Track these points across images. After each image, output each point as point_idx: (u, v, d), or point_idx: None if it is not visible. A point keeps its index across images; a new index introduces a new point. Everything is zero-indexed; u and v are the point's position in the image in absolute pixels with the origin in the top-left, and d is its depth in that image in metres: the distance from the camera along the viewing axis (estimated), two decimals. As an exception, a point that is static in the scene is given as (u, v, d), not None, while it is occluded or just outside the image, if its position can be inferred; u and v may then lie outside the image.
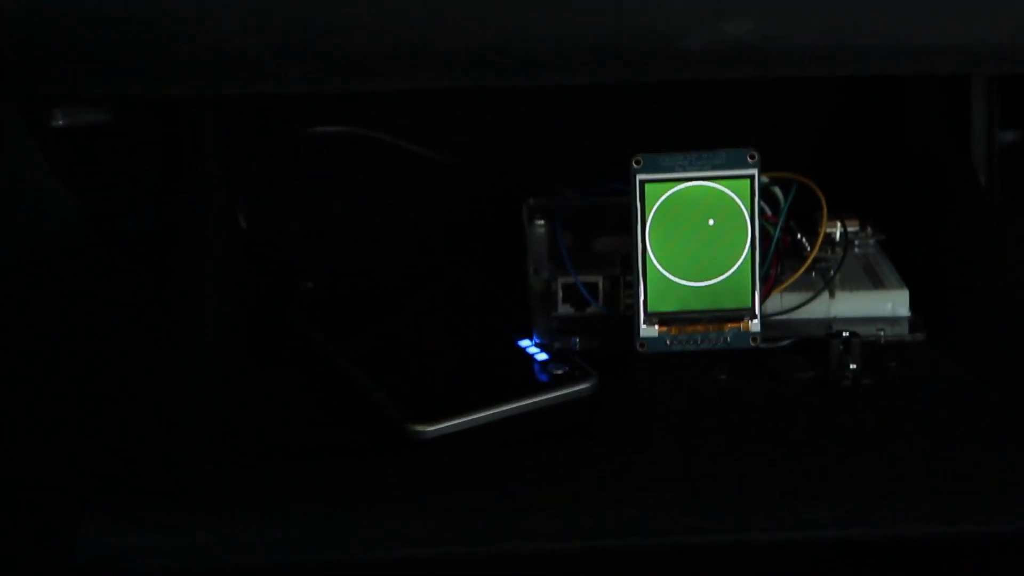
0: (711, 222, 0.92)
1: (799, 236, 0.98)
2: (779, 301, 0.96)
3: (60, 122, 1.04)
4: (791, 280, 0.96)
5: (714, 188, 0.92)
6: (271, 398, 0.93)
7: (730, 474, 0.83)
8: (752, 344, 0.94)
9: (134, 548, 0.80)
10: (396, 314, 1.01)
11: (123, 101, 1.06)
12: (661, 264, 0.92)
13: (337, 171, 1.14)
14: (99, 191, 1.07)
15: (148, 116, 1.09)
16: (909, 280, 0.97)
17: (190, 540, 0.80)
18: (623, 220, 0.93)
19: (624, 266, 0.95)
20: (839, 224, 0.99)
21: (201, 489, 0.83)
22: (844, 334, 0.92)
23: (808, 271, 0.97)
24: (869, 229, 1.02)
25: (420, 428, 0.87)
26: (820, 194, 0.96)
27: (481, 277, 1.04)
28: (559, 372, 0.92)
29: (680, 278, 0.93)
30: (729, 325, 0.94)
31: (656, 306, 0.93)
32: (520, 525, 0.81)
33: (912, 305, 0.97)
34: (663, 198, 0.92)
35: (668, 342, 0.94)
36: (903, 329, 0.96)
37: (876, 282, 0.98)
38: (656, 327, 0.93)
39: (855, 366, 0.91)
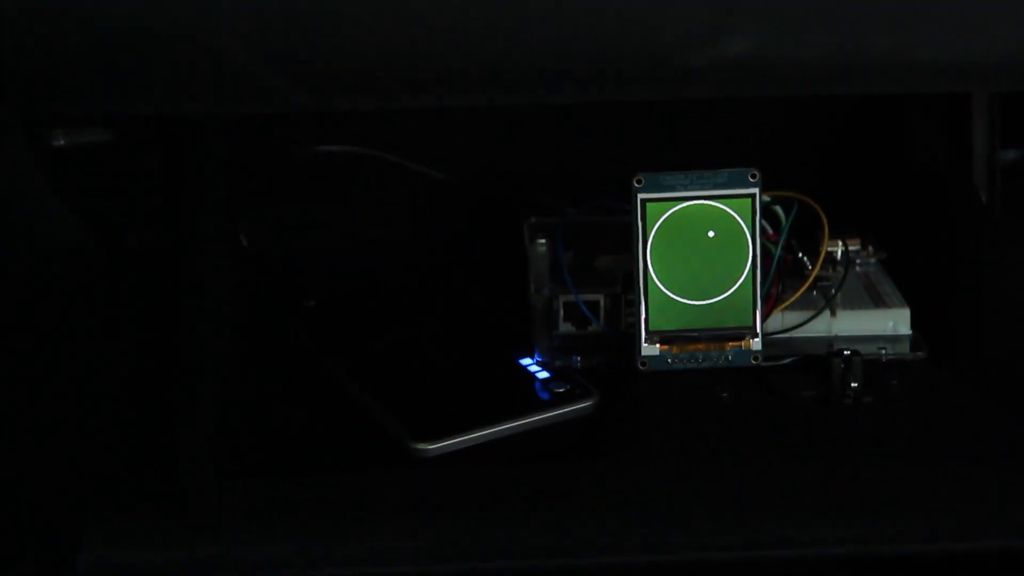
0: (712, 241, 0.92)
1: (800, 255, 0.98)
2: (780, 319, 0.96)
3: (62, 141, 1.04)
4: (792, 299, 0.96)
5: (715, 207, 0.92)
6: (272, 415, 0.93)
7: (732, 492, 0.83)
8: (753, 362, 0.94)
9: (135, 563, 0.80)
10: (397, 332, 1.01)
11: (125, 120, 1.07)
12: (662, 283, 0.93)
13: (339, 189, 1.14)
14: (101, 209, 1.07)
15: (150, 134, 1.09)
16: (910, 298, 0.97)
17: (190, 555, 0.80)
18: (624, 238, 0.93)
19: (625, 284, 0.95)
20: (840, 242, 0.99)
21: (202, 504, 0.83)
22: (845, 352, 0.92)
23: (809, 290, 0.97)
24: (870, 247, 1.02)
25: (421, 446, 0.87)
26: (821, 213, 0.96)
27: (482, 295, 1.04)
28: (560, 390, 0.92)
29: (681, 296, 0.93)
30: (730, 344, 0.93)
31: (657, 324, 0.93)
32: (521, 543, 0.81)
33: (913, 323, 0.97)
34: (664, 217, 0.92)
35: (669, 360, 0.94)
36: (904, 347, 0.96)
37: (877, 300, 0.98)
38: (657, 345, 0.93)
39: (856, 384, 0.91)
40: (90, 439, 0.90)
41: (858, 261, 1.02)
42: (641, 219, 0.92)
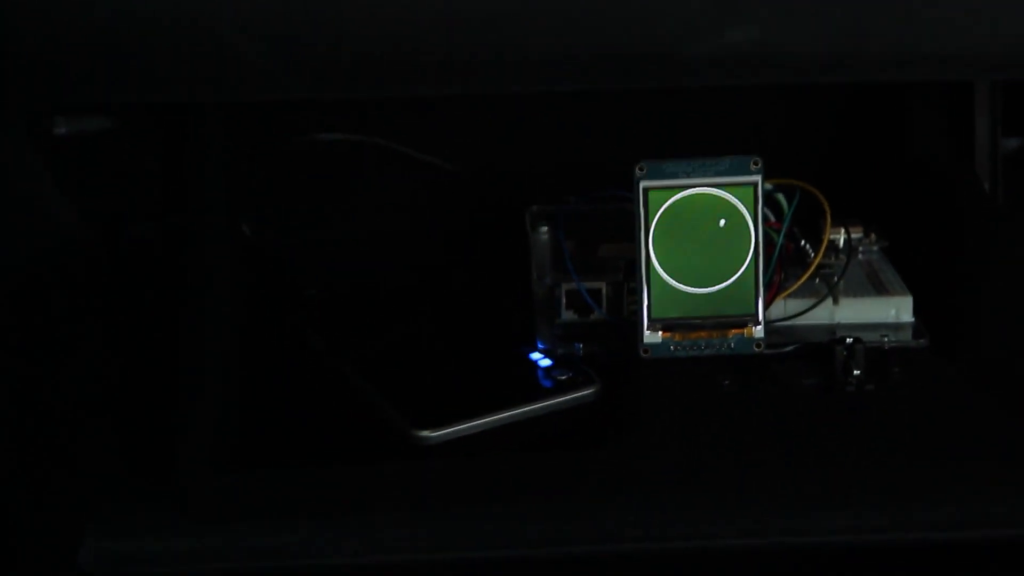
0: (716, 228, 0.92)
1: (803, 242, 0.98)
2: (783, 307, 0.96)
3: (63, 130, 1.04)
4: (795, 286, 0.96)
5: (718, 195, 0.92)
6: (275, 404, 0.93)
7: (734, 479, 0.83)
8: (756, 350, 0.94)
9: (138, 553, 0.80)
10: (400, 320, 1.01)
11: (126, 108, 1.07)
12: (665, 270, 0.92)
13: (340, 178, 1.14)
14: (103, 199, 1.07)
15: (151, 124, 1.09)
16: (913, 286, 0.97)
17: (193, 546, 0.80)
18: (626, 226, 0.93)
19: (627, 272, 0.95)
20: (843, 230, 0.99)
21: (205, 495, 0.83)
22: (848, 340, 0.92)
23: (812, 277, 0.97)
24: (873, 235, 1.02)
25: (424, 434, 0.87)
26: (824, 200, 0.96)
27: (485, 283, 1.04)
28: (563, 378, 0.92)
29: (684, 284, 0.93)
30: (733, 331, 0.93)
31: (660, 312, 0.93)
32: (524, 530, 0.81)
33: (916, 311, 0.97)
34: (666, 205, 0.92)
35: (672, 348, 0.94)
36: (907, 335, 0.96)
37: (880, 288, 0.98)
38: (660, 333, 0.93)
39: (859, 372, 0.91)
40: (92, 431, 0.90)
41: (860, 249, 1.02)
42: (643, 207, 0.92)
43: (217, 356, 0.92)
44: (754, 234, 0.92)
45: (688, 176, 0.92)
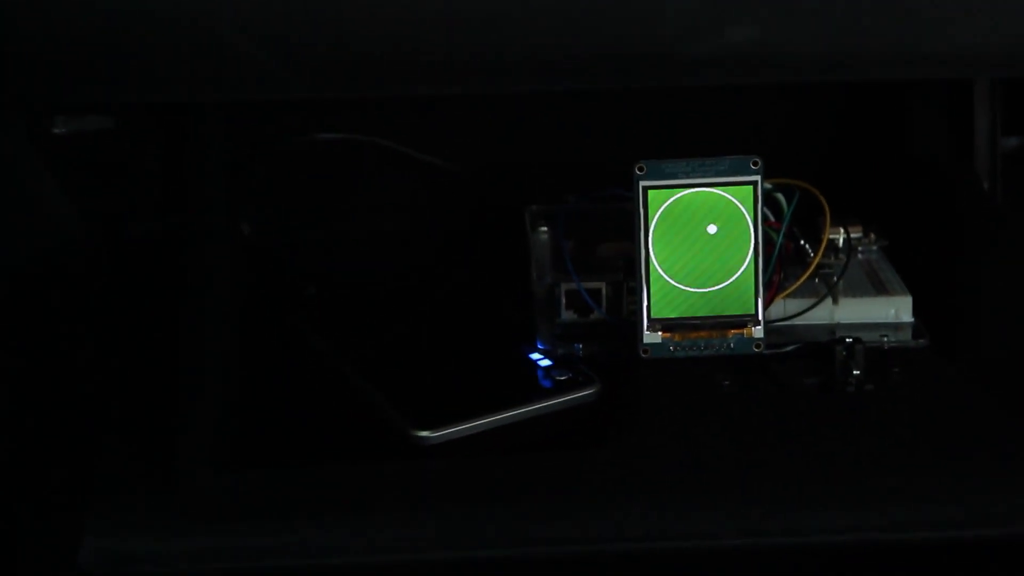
0: (714, 228, 0.92)
1: (802, 242, 0.98)
2: (782, 307, 0.96)
3: (62, 129, 1.04)
4: (794, 286, 0.96)
5: (717, 194, 0.92)
6: (274, 403, 0.93)
7: (734, 479, 0.83)
8: (755, 350, 0.93)
9: (137, 552, 0.80)
10: (399, 320, 1.01)
11: (126, 108, 1.07)
12: (664, 270, 0.92)
13: (339, 177, 1.14)
14: (102, 197, 1.07)
15: (151, 122, 1.09)
16: (912, 286, 0.97)
17: (193, 545, 0.80)
18: (626, 226, 0.93)
19: (627, 272, 0.95)
20: (842, 230, 0.99)
21: (205, 495, 0.83)
22: (847, 340, 0.92)
23: (811, 277, 0.97)
24: (872, 235, 1.02)
25: (424, 434, 0.87)
26: (823, 200, 0.96)
27: (484, 283, 1.04)
28: (562, 378, 0.92)
29: (683, 284, 0.93)
30: (732, 331, 0.93)
31: (659, 312, 0.93)
32: (523, 531, 0.81)
33: (915, 311, 0.97)
34: (666, 204, 0.92)
35: (671, 348, 0.93)
36: (906, 335, 0.96)
37: (879, 288, 0.98)
38: (659, 333, 0.93)
39: (858, 372, 0.91)
40: (92, 430, 0.90)
41: (860, 248, 1.02)
42: (643, 206, 0.92)
43: (217, 356, 0.92)
44: (753, 234, 0.92)
45: (688, 176, 0.92)
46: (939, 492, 0.82)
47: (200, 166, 1.06)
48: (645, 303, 0.93)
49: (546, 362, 0.94)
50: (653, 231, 0.92)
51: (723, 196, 0.92)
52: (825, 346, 0.93)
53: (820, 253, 0.97)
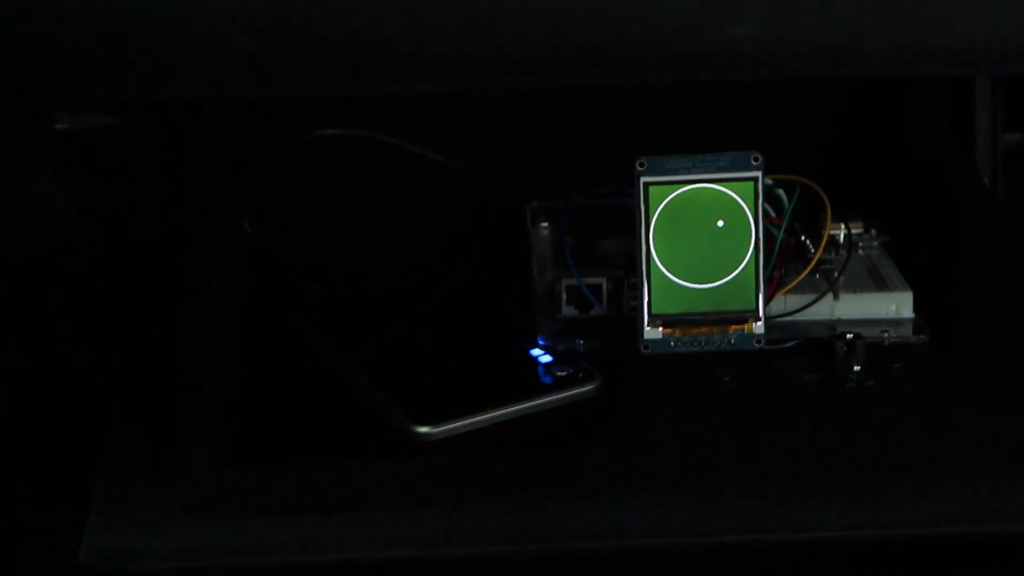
0: (716, 224, 0.92)
1: (803, 238, 0.98)
2: (783, 303, 0.96)
3: (63, 126, 1.04)
4: (795, 282, 0.96)
5: (718, 190, 0.92)
6: (274, 401, 0.93)
7: (734, 476, 0.83)
8: (756, 346, 0.94)
9: (137, 549, 0.80)
10: (400, 317, 1.01)
11: (127, 106, 1.07)
12: (665, 266, 0.92)
13: (340, 175, 1.14)
14: (102, 196, 1.07)
15: (152, 121, 1.09)
16: (913, 282, 0.97)
17: (193, 542, 0.80)
18: (627, 222, 0.93)
19: (628, 268, 0.95)
20: (843, 226, 0.99)
21: (205, 491, 0.83)
22: (848, 336, 0.92)
23: (812, 273, 0.97)
24: (873, 231, 1.02)
25: (424, 430, 0.87)
26: (824, 196, 0.96)
27: (485, 279, 1.04)
28: (563, 374, 0.92)
29: (684, 280, 0.93)
30: (733, 327, 0.93)
31: (660, 308, 0.93)
32: (524, 527, 0.81)
33: (916, 307, 0.97)
34: (667, 200, 0.92)
35: (672, 344, 0.93)
36: (907, 331, 0.96)
37: (880, 284, 0.98)
38: (660, 329, 0.93)
39: (859, 368, 0.91)
40: (92, 427, 0.90)
41: (861, 244, 1.02)
42: (644, 202, 0.92)
43: (217, 353, 0.92)
44: (754, 230, 0.92)
45: (689, 172, 0.92)
46: (939, 488, 0.82)
47: (201, 165, 1.06)
48: (646, 299, 0.93)
49: (547, 358, 0.94)
50: (654, 227, 0.92)
51: (724, 192, 0.92)
52: (826, 342, 0.92)
53: (821, 249, 0.97)
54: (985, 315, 0.97)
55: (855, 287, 0.97)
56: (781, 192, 0.96)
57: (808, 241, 0.98)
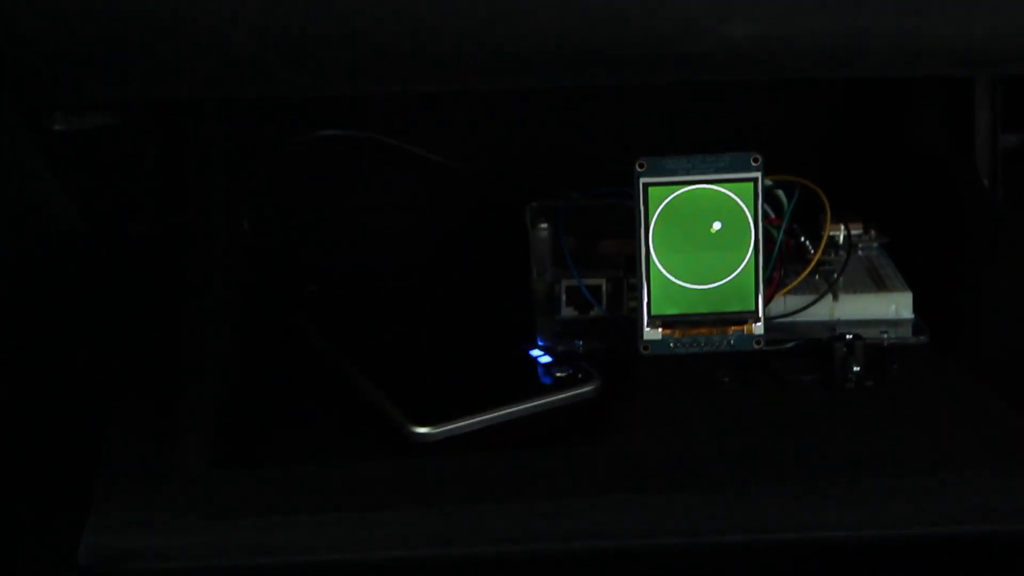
0: (715, 225, 0.92)
1: (802, 239, 0.98)
2: (783, 304, 0.96)
3: (62, 126, 1.04)
4: (795, 283, 0.96)
5: (718, 191, 0.92)
6: (273, 401, 0.93)
7: (734, 476, 0.83)
8: (755, 347, 0.94)
9: (136, 549, 0.80)
10: (399, 317, 1.01)
11: (127, 106, 1.06)
12: (664, 267, 0.92)
13: (340, 175, 1.14)
14: (102, 196, 1.07)
15: (151, 121, 1.09)
16: (913, 283, 0.97)
17: (192, 542, 0.80)
18: (626, 223, 0.93)
19: (627, 269, 0.95)
20: (843, 227, 0.99)
21: (203, 492, 0.82)
22: (848, 337, 0.92)
23: (812, 274, 0.97)
24: (873, 232, 1.02)
25: (423, 430, 0.87)
26: (824, 197, 0.96)
27: (484, 280, 1.04)
28: (562, 375, 0.92)
29: (683, 281, 0.93)
30: (732, 328, 0.93)
31: (660, 309, 0.93)
32: (524, 527, 0.81)
33: (916, 308, 0.97)
34: (666, 201, 0.92)
35: (671, 345, 0.94)
36: (907, 331, 0.96)
37: (880, 285, 0.98)
38: (659, 330, 0.93)
39: (858, 368, 0.91)
40: (92, 427, 0.90)
41: (860, 245, 1.02)
42: (643, 203, 0.92)
43: (217, 353, 0.92)
44: (754, 231, 0.92)
45: (688, 172, 0.92)
46: (938, 488, 0.82)
47: (200, 165, 1.06)
48: (645, 300, 0.93)
49: (546, 359, 0.94)
50: (653, 228, 0.92)
51: (724, 193, 0.92)
52: (825, 343, 0.93)
53: (820, 250, 0.97)
54: (985, 316, 0.97)
55: (854, 288, 0.97)
56: (780, 193, 0.96)
57: (807, 242, 0.98)
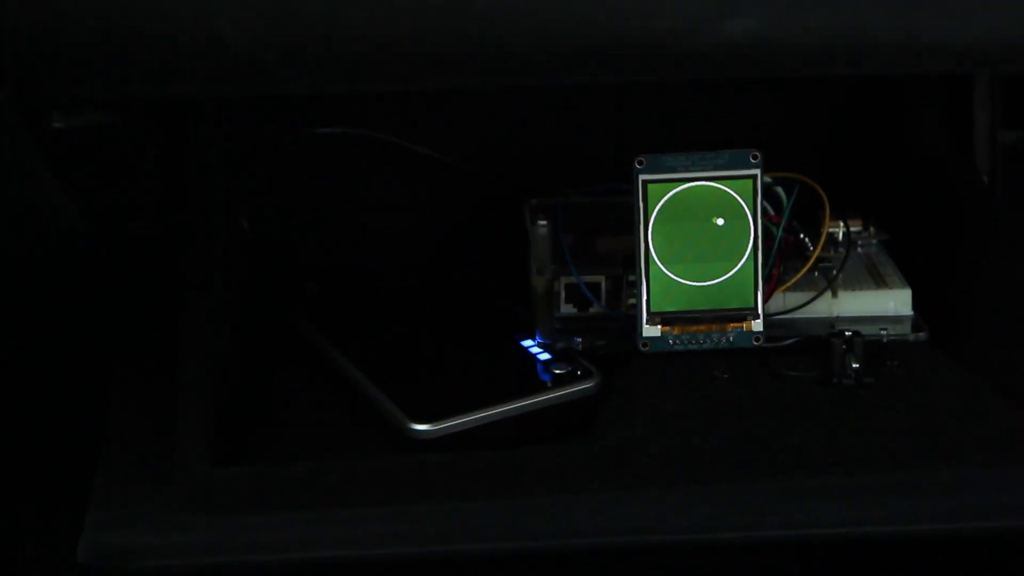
0: (715, 222, 0.92)
1: (802, 236, 0.98)
2: (782, 301, 0.96)
3: (61, 124, 1.04)
4: (794, 280, 0.96)
5: (717, 188, 0.92)
6: (273, 399, 0.94)
7: (733, 473, 0.83)
8: (755, 344, 0.93)
9: (135, 547, 0.80)
10: (398, 315, 1.01)
11: (125, 103, 1.07)
12: (664, 264, 0.92)
13: (339, 172, 1.14)
14: (102, 195, 1.07)
15: (151, 120, 1.09)
16: (912, 279, 0.97)
17: (191, 540, 0.80)
18: (626, 220, 0.93)
19: (627, 266, 0.95)
20: (842, 224, 0.99)
21: (202, 489, 0.83)
22: (847, 333, 0.92)
23: (811, 271, 0.97)
24: (872, 229, 1.02)
25: (422, 428, 0.87)
26: (823, 194, 0.96)
27: (483, 277, 1.04)
28: (561, 372, 0.92)
29: (683, 278, 0.93)
30: (732, 325, 0.93)
31: (659, 306, 0.93)
32: (521, 525, 0.81)
33: (915, 305, 0.96)
34: (666, 198, 0.92)
35: (671, 342, 0.93)
36: (906, 328, 0.96)
37: (879, 282, 0.98)
38: (659, 327, 0.93)
39: (857, 365, 0.91)
40: (91, 425, 0.90)
41: (859, 242, 1.01)
42: (642, 200, 0.92)
43: (216, 352, 0.92)
44: (753, 228, 0.92)
45: (687, 169, 0.92)
46: (938, 485, 0.82)
47: (200, 163, 1.06)
48: (644, 297, 0.93)
49: (545, 356, 0.94)
50: (653, 225, 0.92)
51: (723, 190, 0.92)
52: (824, 339, 0.92)
53: (819, 247, 0.97)
54: (984, 313, 0.97)
55: (854, 285, 0.97)
56: (780, 190, 0.96)
57: (807, 239, 0.98)
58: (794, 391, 0.91)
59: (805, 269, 0.96)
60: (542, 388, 0.91)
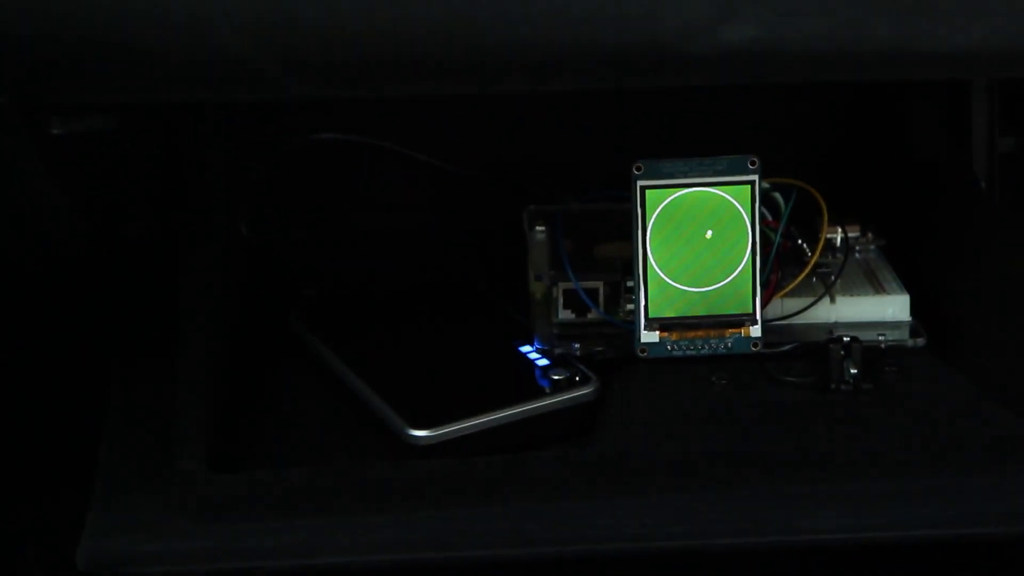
0: (712, 228, 0.92)
1: (800, 242, 0.98)
2: (780, 306, 0.96)
3: (60, 130, 1.04)
4: (792, 285, 0.96)
5: (715, 194, 0.92)
6: (272, 404, 0.93)
7: (731, 479, 0.83)
8: (753, 349, 0.94)
9: (135, 553, 0.80)
10: (397, 320, 1.01)
11: (125, 108, 1.07)
12: (662, 270, 0.93)
13: (338, 178, 1.14)
14: (101, 197, 1.07)
15: (150, 123, 1.09)
16: (910, 285, 0.97)
17: (189, 545, 0.80)
18: (624, 226, 0.93)
19: (625, 272, 0.95)
20: (840, 229, 0.99)
21: (201, 495, 0.83)
22: (845, 339, 0.92)
23: (809, 276, 0.97)
24: (870, 234, 1.02)
25: (420, 433, 0.87)
26: (821, 200, 0.96)
27: (482, 283, 1.04)
28: (560, 377, 0.92)
29: (681, 284, 0.93)
30: (730, 330, 0.94)
31: (657, 311, 0.93)
32: (519, 530, 0.81)
33: (913, 310, 0.97)
34: (664, 204, 0.92)
35: (669, 347, 0.94)
36: (904, 334, 0.96)
37: (877, 287, 0.98)
38: (657, 332, 0.93)
39: (855, 371, 0.91)
40: (91, 426, 0.90)
41: (857, 248, 1.02)
42: (640, 206, 0.92)
43: (214, 356, 0.92)
44: (751, 233, 0.92)
45: (685, 175, 0.92)
46: (936, 491, 0.82)
47: (199, 167, 1.06)
48: (643, 302, 0.93)
49: (543, 361, 0.94)
50: (651, 231, 0.92)
51: (721, 196, 0.92)
52: (822, 345, 0.92)
53: (818, 252, 0.97)
54: (982, 318, 0.97)
55: (852, 290, 0.97)
56: (778, 195, 0.96)
57: (805, 244, 0.98)
58: (792, 397, 0.91)
59: (803, 275, 0.96)
60: (540, 394, 0.91)
